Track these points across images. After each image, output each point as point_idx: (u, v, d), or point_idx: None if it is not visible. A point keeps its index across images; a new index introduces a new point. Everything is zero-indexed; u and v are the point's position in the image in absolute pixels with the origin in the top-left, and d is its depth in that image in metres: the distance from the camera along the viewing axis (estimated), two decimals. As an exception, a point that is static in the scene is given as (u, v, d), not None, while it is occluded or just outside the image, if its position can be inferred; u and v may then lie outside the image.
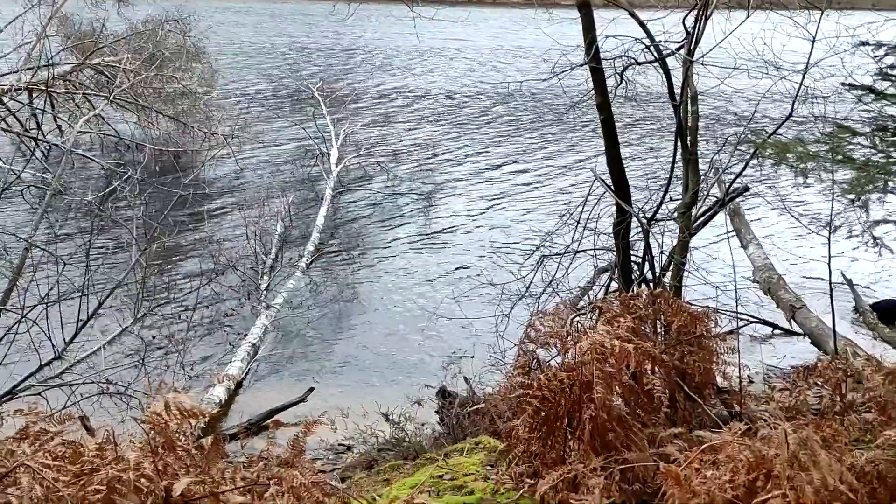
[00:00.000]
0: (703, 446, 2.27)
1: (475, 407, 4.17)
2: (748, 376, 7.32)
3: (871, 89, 3.15)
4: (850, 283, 8.13)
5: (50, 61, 12.40)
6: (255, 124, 14.59)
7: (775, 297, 8.21)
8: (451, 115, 16.66)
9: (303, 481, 1.84)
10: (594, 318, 3.37)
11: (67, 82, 13.21)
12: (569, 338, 2.97)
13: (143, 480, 1.85)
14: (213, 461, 1.83)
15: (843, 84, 3.40)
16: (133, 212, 6.78)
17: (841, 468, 2.21)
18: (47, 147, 12.00)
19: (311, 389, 6.94)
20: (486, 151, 14.29)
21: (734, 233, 9.24)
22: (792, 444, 2.06)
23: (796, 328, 7.84)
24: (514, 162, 13.67)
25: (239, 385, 7.18)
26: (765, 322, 8.06)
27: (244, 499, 1.94)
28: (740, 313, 7.78)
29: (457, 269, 9.44)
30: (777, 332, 8.07)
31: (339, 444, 6.23)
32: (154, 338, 6.96)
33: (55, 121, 12.33)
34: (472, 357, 7.04)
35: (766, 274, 8.47)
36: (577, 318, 4.06)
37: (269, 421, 6.39)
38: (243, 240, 9.70)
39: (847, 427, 3.41)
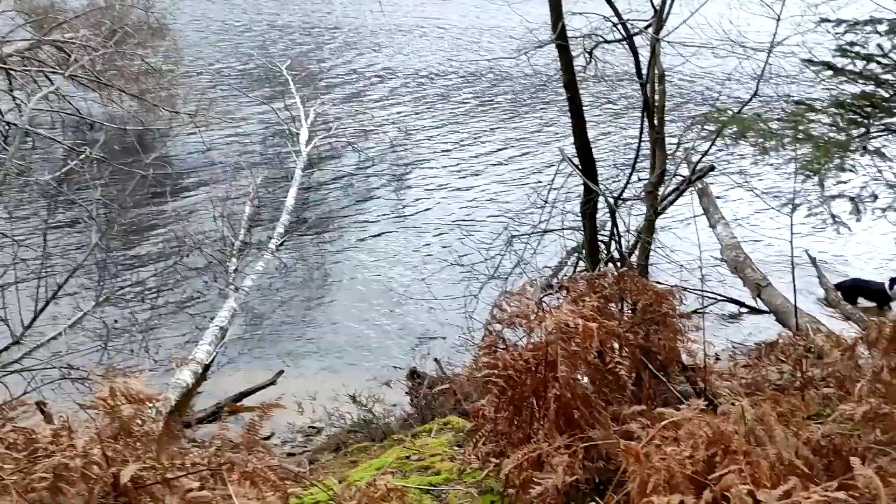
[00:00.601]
0: (664, 423, 2.27)
1: (441, 387, 4.16)
2: (715, 354, 7.43)
3: (829, 65, 3.18)
4: (813, 261, 8.26)
5: (5, 37, 12.06)
6: (221, 103, 14.33)
7: (742, 276, 8.31)
8: (421, 93, 16.51)
9: (257, 466, 1.81)
10: (561, 297, 3.37)
11: (26, 59, 12.85)
12: (534, 317, 2.96)
13: (92, 467, 1.80)
14: (164, 447, 1.79)
15: (802, 61, 3.43)
16: (91, 192, 6.63)
17: (797, 442, 2.23)
18: (6, 126, 11.71)
19: (281, 372, 6.89)
20: (457, 131, 14.19)
21: (702, 213, 9.33)
22: (749, 420, 2.08)
23: (762, 306, 7.96)
24: (485, 141, 13.59)
25: (207, 369, 7.09)
26: (732, 300, 8.17)
27: (196, 484, 1.90)
28: (707, 291, 7.89)
29: (426, 248, 9.40)
30: (744, 310, 8.20)
31: (310, 427, 6.20)
32: (116, 322, 6.83)
33: (13, 100, 12.00)
34: (444, 338, 7.06)
35: (733, 253, 8.56)
36: (545, 298, 4.07)
37: (225, 406, 6.32)
38: (210, 221, 9.54)
39: (807, 402, 3.46)
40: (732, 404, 2.48)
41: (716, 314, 8.00)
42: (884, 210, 3.14)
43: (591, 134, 4.55)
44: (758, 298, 8.01)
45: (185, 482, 1.87)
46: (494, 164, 12.44)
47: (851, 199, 3.01)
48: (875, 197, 3.06)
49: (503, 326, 3.10)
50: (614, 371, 2.77)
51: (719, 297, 8.11)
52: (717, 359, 7.35)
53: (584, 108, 4.13)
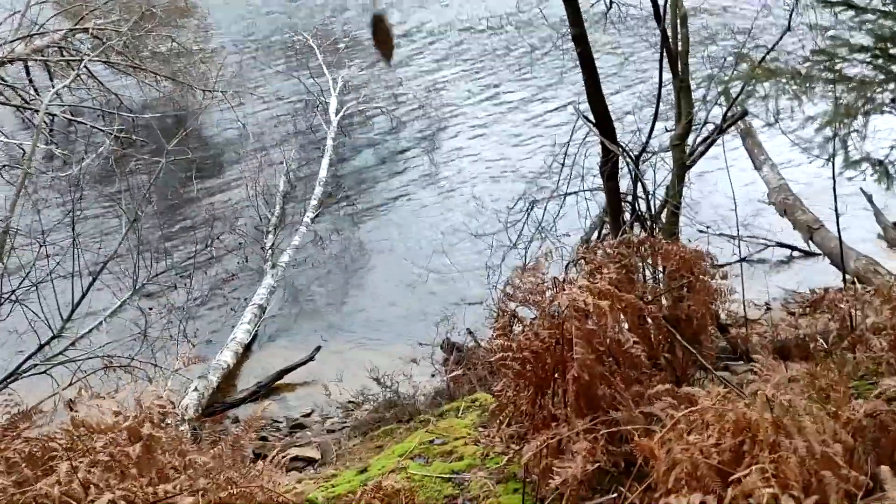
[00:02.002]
0: (685, 412, 2.09)
1: (456, 373, 4.04)
2: (766, 303, 7.12)
3: (848, 3, 2.83)
4: (869, 198, 7.78)
5: (40, 29, 12.16)
6: (251, 78, 14.26)
7: (792, 219, 7.90)
8: (445, 50, 16.05)
9: (233, 491, 1.71)
10: (581, 269, 3.17)
11: (62, 49, 12.97)
12: (547, 295, 2.79)
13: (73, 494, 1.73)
14: (145, 469, 1.71)
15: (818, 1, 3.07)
16: (128, 179, 6.64)
17: (835, 426, 2.02)
18: (50, 118, 11.91)
19: (319, 348, 6.88)
20: (479, 85, 13.74)
21: (746, 155, 8.87)
22: (777, 409, 1.88)
23: (815, 249, 7.57)
24: (515, 100, 13.11)
25: (248, 347, 7.14)
26: (781, 244, 7.80)
27: (190, 500, 1.82)
28: (751, 237, 7.54)
29: (454, 217, 9.15)
30: (796, 254, 7.81)
31: (349, 402, 6.19)
32: (151, 309, 6.91)
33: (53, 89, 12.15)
34: (480, 303, 6.91)
35: (781, 195, 8.13)
36: (570, 268, 3.87)
37: (224, 409, 6.34)
38: (245, 199, 9.54)
39: (858, 362, 3.22)
40: (765, 380, 2.29)
41: (765, 262, 7.65)
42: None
43: (613, 86, 4.25)
44: (810, 242, 7.61)
45: (178, 501, 1.80)
46: (517, 120, 12.00)
47: (880, 162, 2.70)
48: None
49: (517, 304, 2.93)
50: (632, 349, 2.58)
51: (768, 243, 7.75)
52: (769, 308, 7.05)
53: (599, 58, 3.83)
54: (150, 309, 6.82)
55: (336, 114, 11.87)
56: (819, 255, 7.56)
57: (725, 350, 4.33)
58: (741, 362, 4.05)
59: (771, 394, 1.87)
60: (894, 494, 1.34)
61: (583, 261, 3.07)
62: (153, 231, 8.12)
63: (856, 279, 6.31)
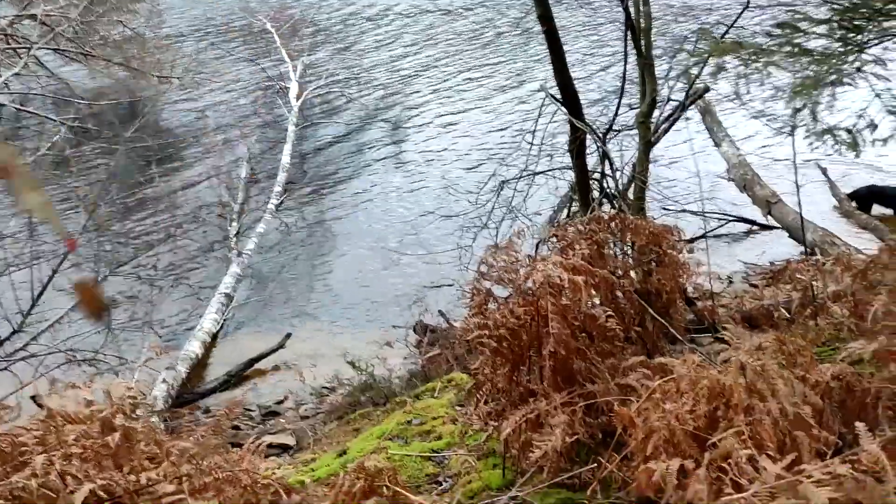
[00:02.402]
0: (662, 380, 2.14)
1: (431, 354, 4.06)
2: (728, 276, 7.28)
3: None
4: (824, 172, 7.99)
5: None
6: (208, 64, 13.98)
7: (751, 194, 8.07)
8: (406, 33, 15.94)
9: (219, 475, 1.70)
10: (553, 246, 3.20)
11: (9, 36, 12.54)
12: (521, 272, 2.81)
13: (50, 485, 1.70)
14: (124, 459, 1.69)
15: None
16: (75, 173, 6.47)
17: (804, 388, 2.09)
18: (-5, 107, 11.52)
19: (289, 335, 6.83)
20: (447, 68, 13.69)
21: (706, 132, 9.02)
22: (749, 373, 1.94)
23: (774, 223, 7.75)
24: (475, 78, 13.10)
25: (216, 337, 7.06)
26: (741, 219, 7.95)
27: (171, 488, 1.81)
28: (713, 213, 7.69)
29: (420, 200, 9.13)
30: (755, 228, 7.98)
31: (322, 388, 6.17)
32: (115, 301, 6.78)
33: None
34: (451, 284, 6.91)
35: (741, 171, 8.30)
36: (542, 246, 3.90)
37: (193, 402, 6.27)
38: (207, 187, 9.39)
39: (820, 329, 3.32)
40: (735, 349, 2.35)
41: (726, 236, 7.80)
42: (885, 141, 2.90)
43: (581, 69, 4.28)
44: (768, 216, 7.79)
45: (160, 488, 1.78)
46: (485, 102, 12.01)
47: (848, 130, 2.78)
48: (874, 126, 2.82)
49: (492, 283, 2.95)
50: (606, 323, 2.62)
51: (728, 217, 7.90)
52: (731, 281, 7.21)
53: (560, 40, 3.84)
54: (114, 300, 6.68)
55: (297, 99, 11.72)
56: (777, 228, 7.74)
57: (693, 322, 4.43)
58: (707, 335, 4.14)
59: (744, 359, 1.92)
60: (870, 447, 1.40)
61: (554, 238, 3.10)
62: (113, 221, 7.94)
63: (814, 251, 6.49)
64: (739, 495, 1.40)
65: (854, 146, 2.65)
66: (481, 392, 3.13)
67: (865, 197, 7.81)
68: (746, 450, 1.65)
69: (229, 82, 13.33)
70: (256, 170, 10.10)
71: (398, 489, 2.26)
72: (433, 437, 3.17)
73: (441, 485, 2.92)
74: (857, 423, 1.55)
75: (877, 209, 7.80)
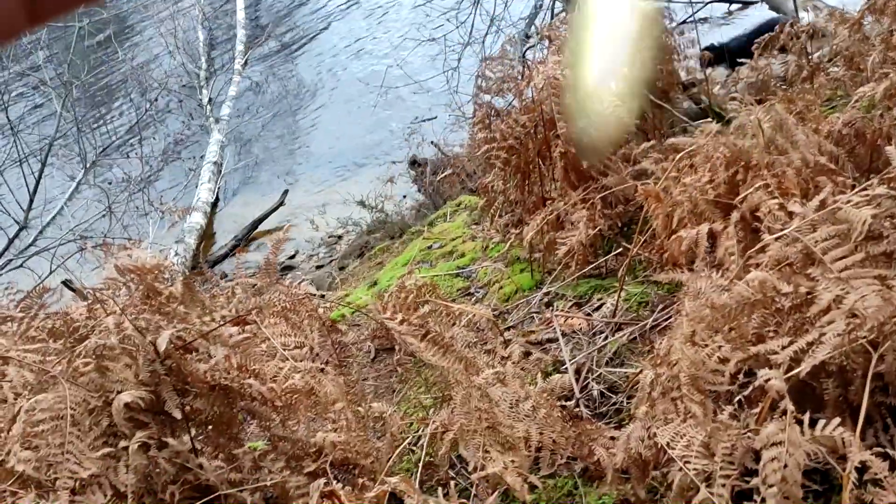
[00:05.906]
0: (679, 155, 2.19)
1: (444, 175, 4.09)
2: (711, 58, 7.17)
3: None
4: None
5: None
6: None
7: (729, -29, 7.76)
8: None
9: (286, 304, 1.80)
10: (545, 49, 3.14)
11: None
12: (521, 78, 2.78)
13: (130, 340, 1.80)
14: (191, 305, 1.78)
15: None
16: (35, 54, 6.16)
17: (818, 139, 2.15)
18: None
19: (286, 191, 6.85)
20: None
21: None
22: (767, 130, 1.98)
23: (754, -1, 7.52)
24: None
25: (214, 206, 7.08)
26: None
27: (235, 329, 1.92)
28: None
29: (396, 28, 8.78)
30: (734, 7, 7.75)
31: (330, 237, 6.28)
32: (110, 184, 6.71)
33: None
34: (435, 118, 6.84)
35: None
36: (527, 53, 3.83)
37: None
38: (168, 56, 8.98)
39: (818, 89, 3.34)
40: (747, 116, 2.38)
41: (706, 20, 7.60)
42: None
43: None
44: (748, -9, 7.54)
45: (224, 330, 1.89)
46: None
47: None
48: None
49: (492, 96, 2.93)
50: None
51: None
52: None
53: None
54: (109, 184, 6.63)
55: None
56: (756, 2, 7.52)
57: (688, 111, 4.45)
58: (706, 120, 4.17)
59: (761, 116, 1.96)
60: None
61: (547, 39, 3.03)
62: (87, 104, 7.69)
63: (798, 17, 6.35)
64: (781, 232, 1.49)
65: None
66: (495, 206, 3.21)
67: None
68: (774, 199, 1.73)
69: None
70: (214, 30, 9.63)
71: (439, 300, 2.39)
72: (456, 256, 3.29)
73: (473, 296, 3.07)
74: (888, 148, 1.62)
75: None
